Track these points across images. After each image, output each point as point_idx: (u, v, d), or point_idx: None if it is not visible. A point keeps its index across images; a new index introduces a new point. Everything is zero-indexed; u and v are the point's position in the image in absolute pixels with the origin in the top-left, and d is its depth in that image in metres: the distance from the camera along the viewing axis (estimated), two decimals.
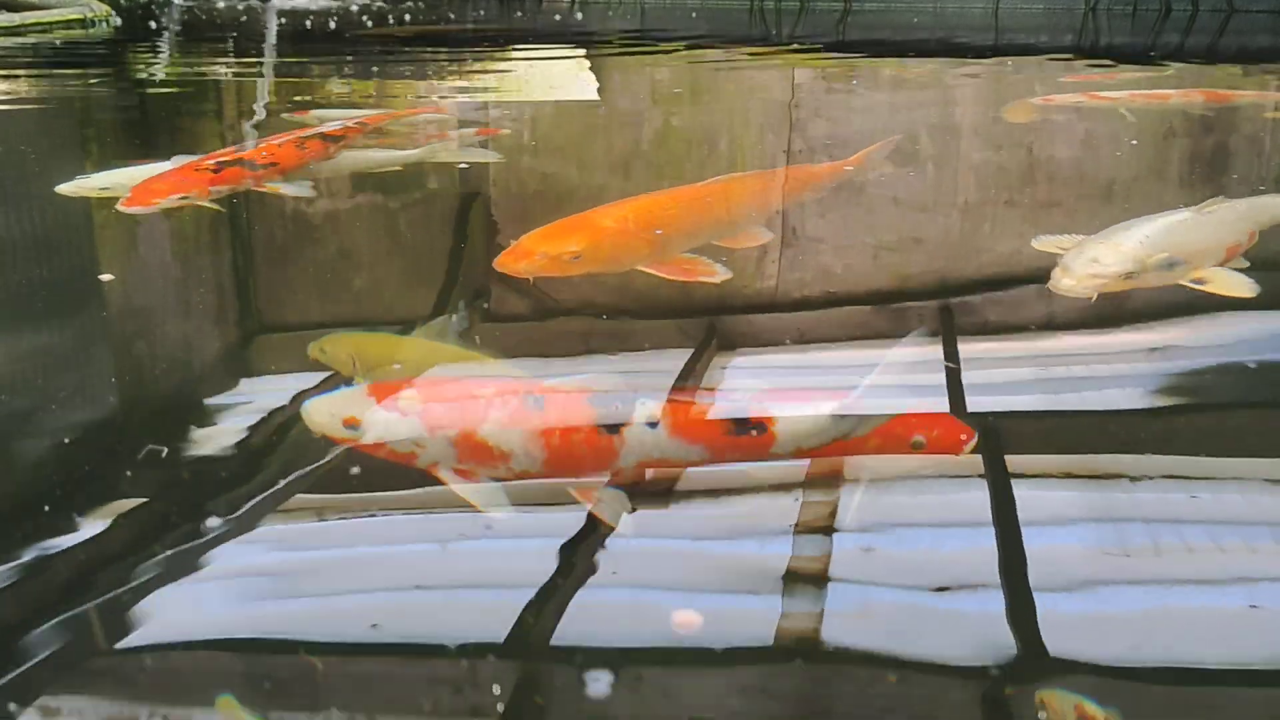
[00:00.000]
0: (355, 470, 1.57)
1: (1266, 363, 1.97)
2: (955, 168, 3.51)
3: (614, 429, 1.53)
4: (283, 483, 1.56)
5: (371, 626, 1.26)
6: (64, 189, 2.70)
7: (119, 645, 1.24)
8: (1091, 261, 2.04)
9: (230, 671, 1.21)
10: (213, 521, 1.45)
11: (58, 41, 6.55)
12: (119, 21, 7.33)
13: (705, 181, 2.73)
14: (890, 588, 1.35)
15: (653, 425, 1.55)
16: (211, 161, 2.83)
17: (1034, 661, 1.21)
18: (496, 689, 1.17)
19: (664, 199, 2.58)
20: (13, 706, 1.13)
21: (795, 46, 6.74)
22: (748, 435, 1.58)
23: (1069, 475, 1.61)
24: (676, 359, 2.01)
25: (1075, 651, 1.23)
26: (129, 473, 1.62)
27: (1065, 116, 3.97)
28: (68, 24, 6.95)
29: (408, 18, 8.13)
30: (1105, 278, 2.01)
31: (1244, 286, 2.05)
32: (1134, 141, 3.69)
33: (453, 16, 8.45)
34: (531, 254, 2.15)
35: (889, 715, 1.16)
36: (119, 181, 2.71)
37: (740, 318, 2.27)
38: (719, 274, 2.21)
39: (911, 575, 1.36)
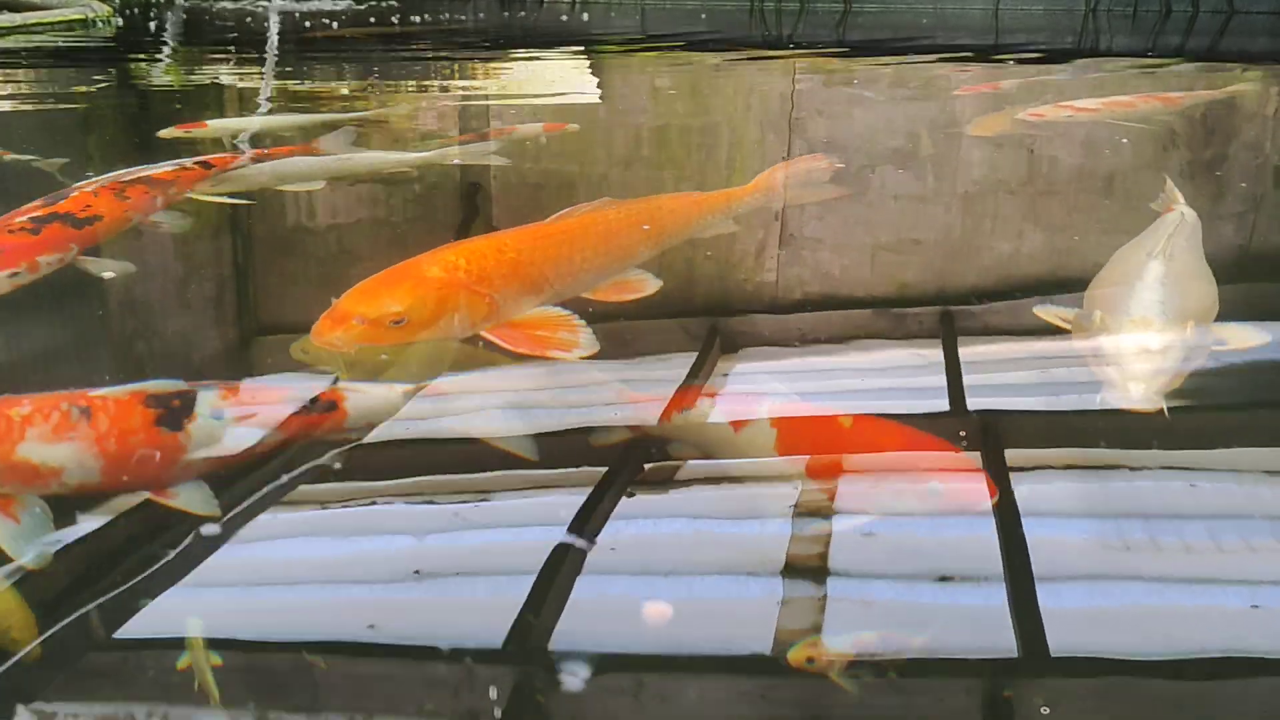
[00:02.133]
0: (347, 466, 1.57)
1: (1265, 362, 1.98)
2: (899, 187, 3.25)
3: (177, 425, 1.51)
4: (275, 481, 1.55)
5: (369, 627, 1.26)
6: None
7: (115, 641, 1.24)
8: (1147, 355, 1.75)
9: (228, 669, 1.22)
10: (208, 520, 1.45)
11: (59, 42, 6.55)
12: (120, 22, 7.34)
13: (564, 213, 2.20)
14: (891, 579, 1.36)
15: (219, 416, 1.55)
16: (25, 217, 2.26)
17: (1036, 657, 1.22)
18: (494, 693, 1.17)
19: (512, 240, 2.06)
20: (8, 705, 1.14)
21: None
22: (319, 414, 1.62)
23: (1069, 466, 1.62)
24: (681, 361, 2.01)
25: (1076, 647, 1.23)
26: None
27: (1038, 131, 3.77)
28: (69, 24, 6.96)
29: (416, 19, 8.13)
30: (1174, 374, 1.73)
31: (1255, 335, 1.91)
32: (1106, 150, 3.64)
33: (463, 18, 8.45)
34: (347, 320, 1.78)
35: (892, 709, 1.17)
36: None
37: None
38: (581, 345, 1.83)
39: (913, 565, 1.36)
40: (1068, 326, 1.98)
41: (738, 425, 1.69)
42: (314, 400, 1.64)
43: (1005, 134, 3.69)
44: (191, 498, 1.45)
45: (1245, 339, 1.89)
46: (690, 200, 2.51)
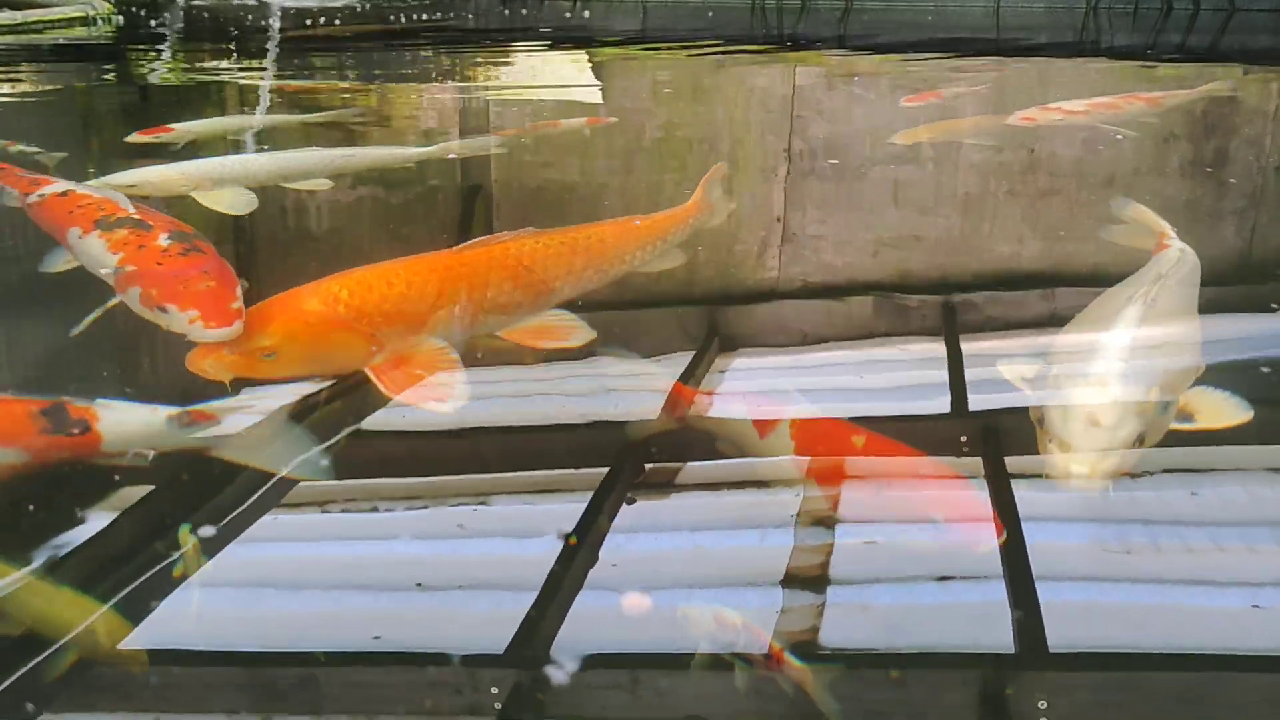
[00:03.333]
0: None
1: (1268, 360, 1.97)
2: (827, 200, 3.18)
3: None
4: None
5: (374, 638, 1.26)
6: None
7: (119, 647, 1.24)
8: (1095, 429, 1.47)
9: (233, 678, 1.22)
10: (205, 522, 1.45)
11: (60, 39, 6.56)
12: (121, 20, 7.34)
13: (477, 241, 1.97)
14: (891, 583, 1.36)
15: None
16: None
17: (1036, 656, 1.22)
18: (495, 690, 1.17)
19: (404, 271, 1.85)
20: (12, 707, 1.14)
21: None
22: (68, 434, 1.48)
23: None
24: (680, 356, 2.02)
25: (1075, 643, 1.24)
26: (117, 474, 1.60)
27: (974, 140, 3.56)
28: (70, 22, 6.96)
29: (424, 17, 8.12)
30: (1120, 459, 1.45)
31: (1233, 410, 1.59)
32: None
33: (470, 16, 8.43)
34: (218, 349, 1.67)
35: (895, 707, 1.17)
36: (147, 179, 2.67)
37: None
38: (456, 397, 1.66)
39: (914, 569, 1.37)
40: (1024, 386, 1.72)
41: (762, 430, 1.64)
42: (63, 419, 1.49)
43: (928, 142, 3.50)
44: None
45: (1219, 414, 1.58)
46: (625, 229, 2.17)
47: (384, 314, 1.76)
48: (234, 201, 2.59)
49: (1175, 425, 1.56)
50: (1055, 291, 2.42)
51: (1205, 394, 1.61)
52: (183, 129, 3.34)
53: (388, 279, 1.82)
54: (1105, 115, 3.72)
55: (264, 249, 2.73)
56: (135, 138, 3.24)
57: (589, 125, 3.83)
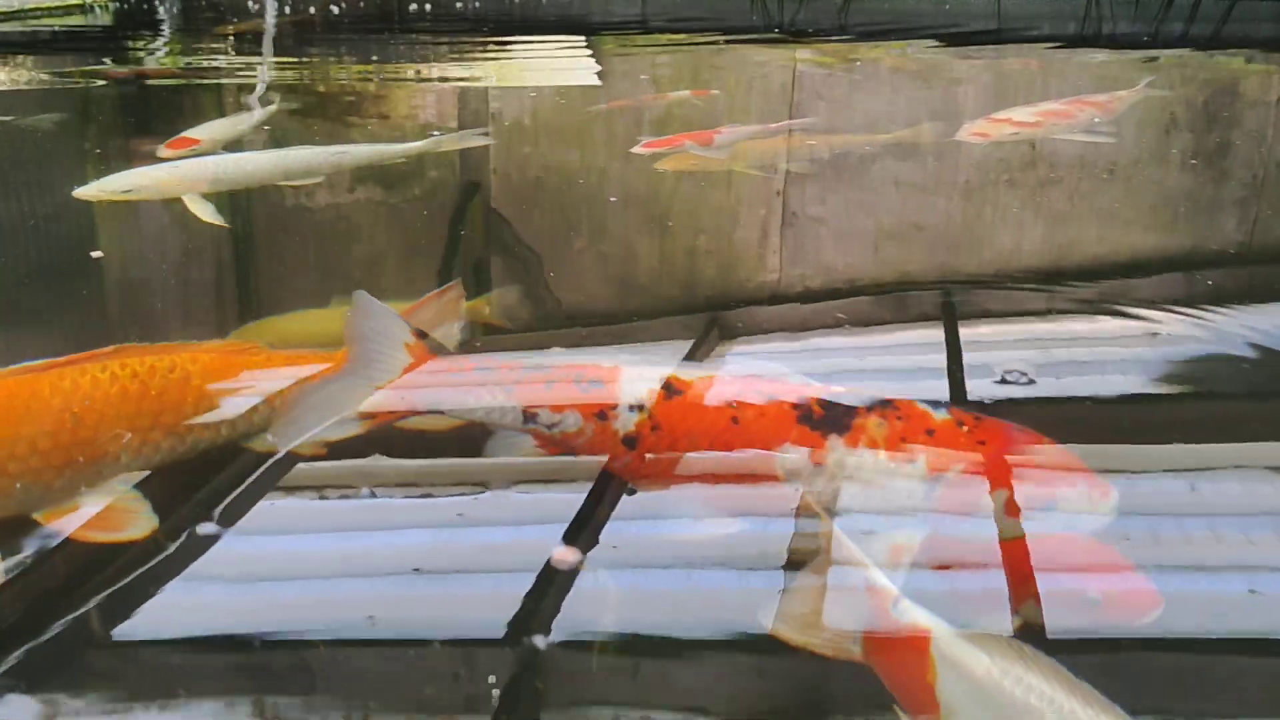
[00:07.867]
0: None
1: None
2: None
3: None
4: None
5: (369, 619, 1.27)
6: (82, 193, 2.51)
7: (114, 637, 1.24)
8: None
9: (228, 663, 1.22)
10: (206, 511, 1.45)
11: (57, 27, 6.54)
12: (116, 7, 7.32)
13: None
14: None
15: None
16: None
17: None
18: (493, 678, 1.18)
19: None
20: (8, 699, 1.14)
21: None
22: None
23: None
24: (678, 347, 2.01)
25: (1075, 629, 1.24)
26: None
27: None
28: (67, 9, 6.94)
29: (428, 8, 8.08)
30: None
31: None
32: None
33: (462, 5, 8.39)
34: None
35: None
36: (141, 183, 2.56)
37: None
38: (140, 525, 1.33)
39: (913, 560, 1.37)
40: None
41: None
42: None
43: (688, 170, 3.21)
44: None
45: None
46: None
47: None
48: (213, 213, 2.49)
49: None
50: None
51: None
52: (208, 137, 3.18)
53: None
54: (1061, 125, 3.39)
55: (264, 250, 2.73)
56: (164, 151, 3.03)
57: (695, 96, 3.98)
